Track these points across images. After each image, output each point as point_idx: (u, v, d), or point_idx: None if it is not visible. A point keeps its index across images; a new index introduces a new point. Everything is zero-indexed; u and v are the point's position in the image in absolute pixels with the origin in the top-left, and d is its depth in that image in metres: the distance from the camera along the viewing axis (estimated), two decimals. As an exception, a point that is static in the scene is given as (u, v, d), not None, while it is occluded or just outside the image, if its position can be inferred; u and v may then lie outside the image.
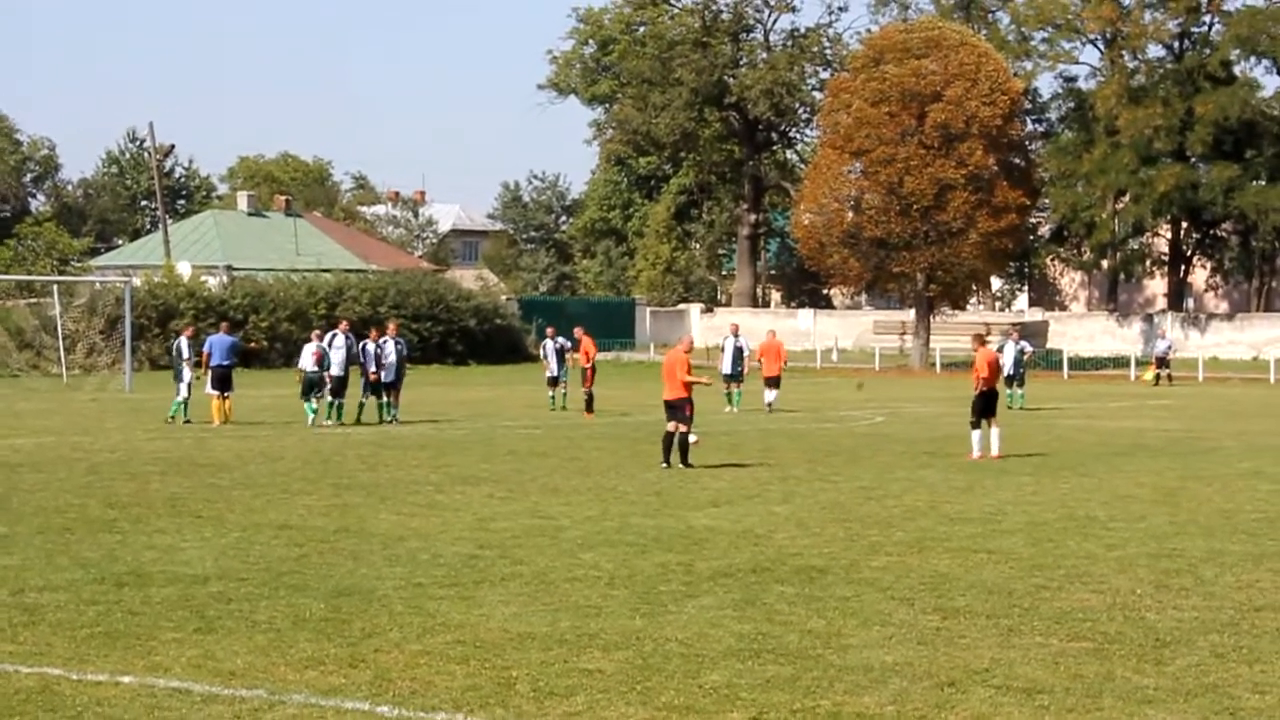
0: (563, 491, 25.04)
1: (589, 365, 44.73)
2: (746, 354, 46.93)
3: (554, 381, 46.14)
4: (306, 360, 38.93)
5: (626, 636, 14.09)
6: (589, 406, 43.84)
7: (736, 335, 47.45)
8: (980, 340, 33.04)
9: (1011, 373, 48.01)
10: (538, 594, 16.06)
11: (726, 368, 46.81)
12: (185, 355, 39.62)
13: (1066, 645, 13.98)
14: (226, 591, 16.00)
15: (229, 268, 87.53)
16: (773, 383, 46.23)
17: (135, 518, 21.32)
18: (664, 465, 28.64)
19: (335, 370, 39.08)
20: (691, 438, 28.96)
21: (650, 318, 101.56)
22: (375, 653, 13.40)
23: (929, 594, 16.27)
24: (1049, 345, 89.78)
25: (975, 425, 31.40)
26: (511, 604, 15.52)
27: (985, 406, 31.47)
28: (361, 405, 39.70)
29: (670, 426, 28.89)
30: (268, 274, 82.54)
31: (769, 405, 45.60)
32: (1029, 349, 52.04)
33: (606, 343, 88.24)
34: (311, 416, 38.29)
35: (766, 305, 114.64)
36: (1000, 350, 49.76)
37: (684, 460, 28.62)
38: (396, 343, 40.11)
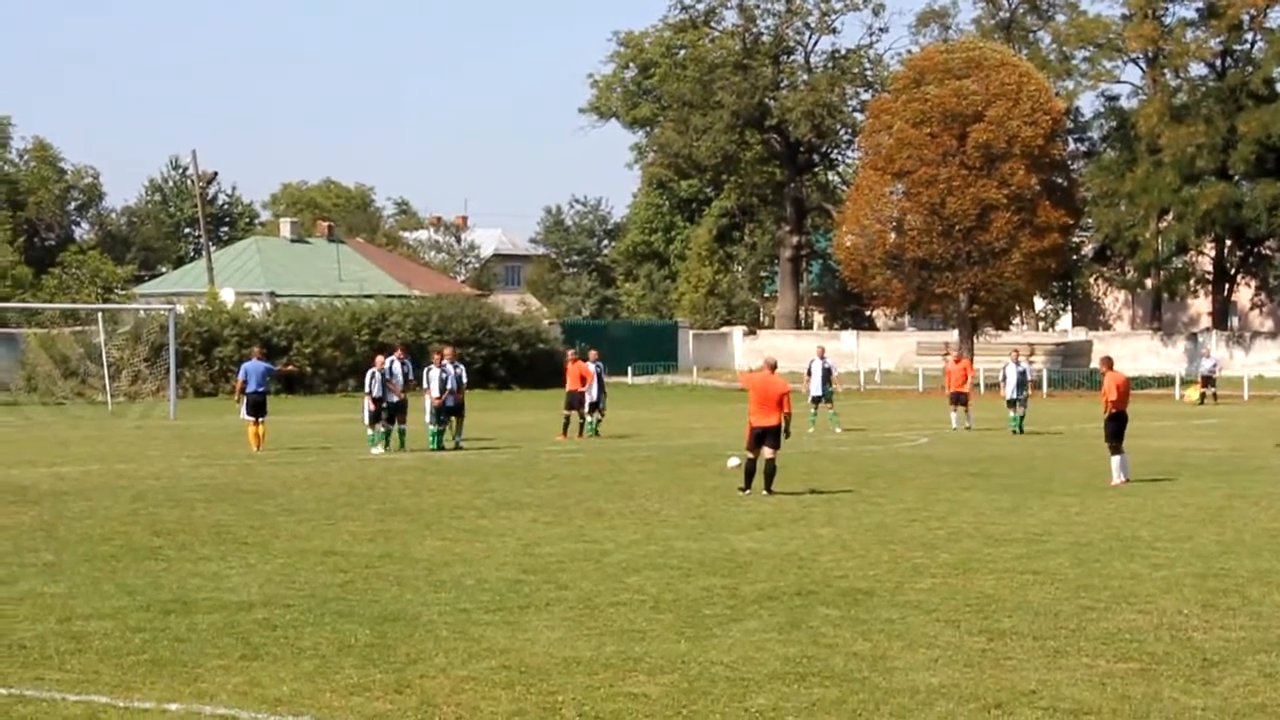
0: (606, 515, 25.04)
1: (581, 391, 44.67)
2: (834, 375, 49.00)
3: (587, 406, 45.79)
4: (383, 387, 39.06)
5: (672, 660, 14.07)
6: (564, 429, 44.22)
7: (823, 357, 48.79)
8: (1108, 363, 32.17)
9: (1014, 395, 47.91)
10: (583, 618, 16.06)
11: (816, 389, 47.63)
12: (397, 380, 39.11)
13: (1113, 666, 13.93)
14: (272, 618, 16.03)
15: (272, 294, 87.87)
16: (962, 400, 49.01)
17: (180, 545, 21.39)
18: (744, 491, 27.77)
19: (395, 396, 39.17)
20: (732, 461, 28.82)
21: (693, 341, 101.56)
22: (421, 678, 13.40)
23: (975, 616, 16.22)
24: (1093, 365, 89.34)
25: (1115, 450, 30.66)
26: (556, 629, 15.52)
27: (1118, 430, 30.64)
28: (442, 432, 39.49)
29: (752, 453, 28.01)
30: (310, 300, 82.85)
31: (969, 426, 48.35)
32: (1031, 372, 51.81)
33: (650, 366, 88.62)
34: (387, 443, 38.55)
35: (809, 327, 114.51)
36: (1004, 371, 49.73)
37: (768, 487, 27.74)
38: (456, 367, 40.04)
